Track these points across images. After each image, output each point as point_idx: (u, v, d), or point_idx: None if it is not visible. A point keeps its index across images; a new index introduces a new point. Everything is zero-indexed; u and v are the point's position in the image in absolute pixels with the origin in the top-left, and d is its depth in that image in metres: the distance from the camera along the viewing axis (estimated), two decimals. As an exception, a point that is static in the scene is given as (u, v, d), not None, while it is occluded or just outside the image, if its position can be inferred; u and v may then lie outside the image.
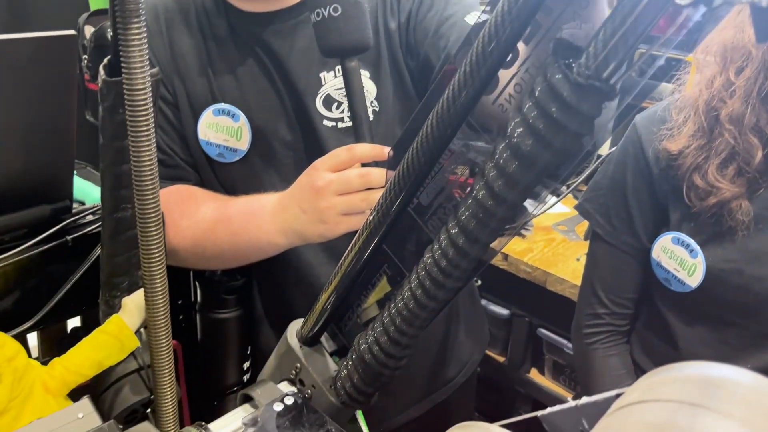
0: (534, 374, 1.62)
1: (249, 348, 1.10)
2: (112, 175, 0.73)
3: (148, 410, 1.03)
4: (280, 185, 0.89)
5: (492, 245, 0.54)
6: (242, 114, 0.92)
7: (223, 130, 0.93)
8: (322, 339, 0.69)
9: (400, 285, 0.58)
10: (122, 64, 0.66)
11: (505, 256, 1.46)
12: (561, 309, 1.37)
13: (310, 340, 0.69)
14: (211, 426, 0.63)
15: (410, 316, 0.57)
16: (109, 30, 1.49)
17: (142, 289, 0.79)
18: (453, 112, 0.52)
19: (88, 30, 1.84)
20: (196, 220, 0.89)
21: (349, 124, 0.90)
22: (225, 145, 0.94)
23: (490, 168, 0.47)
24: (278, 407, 0.63)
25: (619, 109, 0.57)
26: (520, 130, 0.44)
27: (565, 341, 1.48)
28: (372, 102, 0.94)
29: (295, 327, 0.70)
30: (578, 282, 1.18)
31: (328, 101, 0.92)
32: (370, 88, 0.94)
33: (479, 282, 1.49)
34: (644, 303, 1.01)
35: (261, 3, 0.92)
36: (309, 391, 0.68)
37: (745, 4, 0.33)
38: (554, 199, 1.78)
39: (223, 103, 0.93)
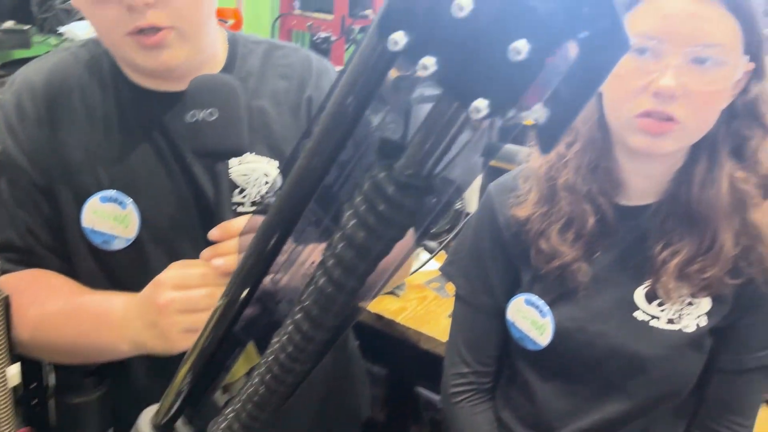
0: (414, 432, 1.65)
1: (111, 430, 1.05)
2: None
3: None
4: None
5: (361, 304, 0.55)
6: (130, 201, 0.89)
7: (110, 217, 0.90)
8: (178, 424, 0.68)
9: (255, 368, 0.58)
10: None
11: (380, 317, 1.49)
12: (435, 367, 1.41)
13: (163, 427, 0.67)
14: None
15: (261, 401, 0.57)
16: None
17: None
18: (295, 198, 0.54)
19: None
20: (43, 310, 0.85)
21: (251, 209, 0.90)
22: (110, 233, 0.90)
23: (328, 256, 0.49)
24: (128, 503, 0.60)
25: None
26: (353, 222, 0.47)
27: (439, 398, 1.52)
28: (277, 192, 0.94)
29: (149, 414, 0.68)
30: (448, 340, 1.23)
31: (231, 186, 0.91)
32: (279, 180, 0.94)
33: (357, 341, 1.50)
34: (505, 360, 1.06)
35: (164, 82, 0.89)
36: (165, 482, 0.66)
37: (530, 119, 0.38)
38: (427, 256, 1.81)
39: (110, 190, 0.90)
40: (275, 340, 0.55)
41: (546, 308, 0.94)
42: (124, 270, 0.91)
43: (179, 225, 0.92)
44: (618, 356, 0.92)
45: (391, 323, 1.47)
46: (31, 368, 1.01)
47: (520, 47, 0.35)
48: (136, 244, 0.91)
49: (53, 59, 0.96)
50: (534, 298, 0.96)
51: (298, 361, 0.54)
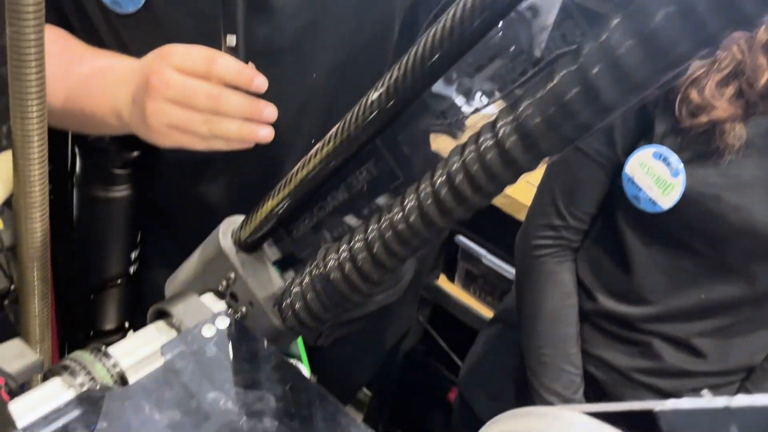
0: (442, 281, 1.55)
1: (139, 234, 0.91)
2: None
3: (6, 302, 0.85)
4: (198, 37, 0.67)
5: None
6: None
7: None
8: (266, 245, 0.53)
9: (397, 191, 0.44)
10: None
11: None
12: (484, 218, 1.27)
13: (249, 246, 0.53)
14: (114, 351, 0.47)
15: (409, 234, 0.42)
16: None
17: (7, 152, 0.59)
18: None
19: None
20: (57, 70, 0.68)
21: None
22: None
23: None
24: (209, 332, 0.47)
25: None
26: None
27: (483, 251, 1.41)
28: None
29: (230, 226, 0.54)
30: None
31: None
32: None
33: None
34: (598, 220, 0.92)
35: None
36: (243, 309, 0.53)
37: None
38: (486, 99, 1.61)
39: None
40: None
41: (680, 166, 0.79)
42: (138, 42, 0.73)
43: None
44: (751, 235, 0.78)
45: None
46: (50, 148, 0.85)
47: None
48: (151, 6, 0.72)
49: None
50: (667, 151, 0.80)
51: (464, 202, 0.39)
